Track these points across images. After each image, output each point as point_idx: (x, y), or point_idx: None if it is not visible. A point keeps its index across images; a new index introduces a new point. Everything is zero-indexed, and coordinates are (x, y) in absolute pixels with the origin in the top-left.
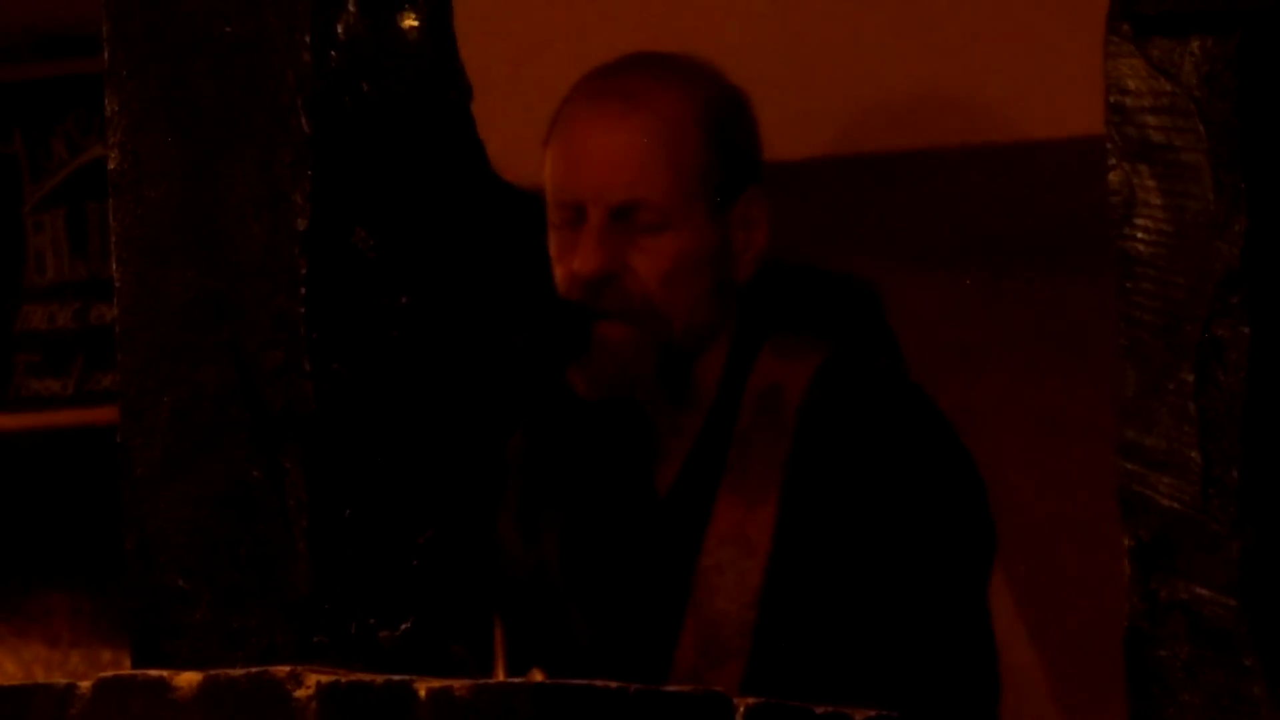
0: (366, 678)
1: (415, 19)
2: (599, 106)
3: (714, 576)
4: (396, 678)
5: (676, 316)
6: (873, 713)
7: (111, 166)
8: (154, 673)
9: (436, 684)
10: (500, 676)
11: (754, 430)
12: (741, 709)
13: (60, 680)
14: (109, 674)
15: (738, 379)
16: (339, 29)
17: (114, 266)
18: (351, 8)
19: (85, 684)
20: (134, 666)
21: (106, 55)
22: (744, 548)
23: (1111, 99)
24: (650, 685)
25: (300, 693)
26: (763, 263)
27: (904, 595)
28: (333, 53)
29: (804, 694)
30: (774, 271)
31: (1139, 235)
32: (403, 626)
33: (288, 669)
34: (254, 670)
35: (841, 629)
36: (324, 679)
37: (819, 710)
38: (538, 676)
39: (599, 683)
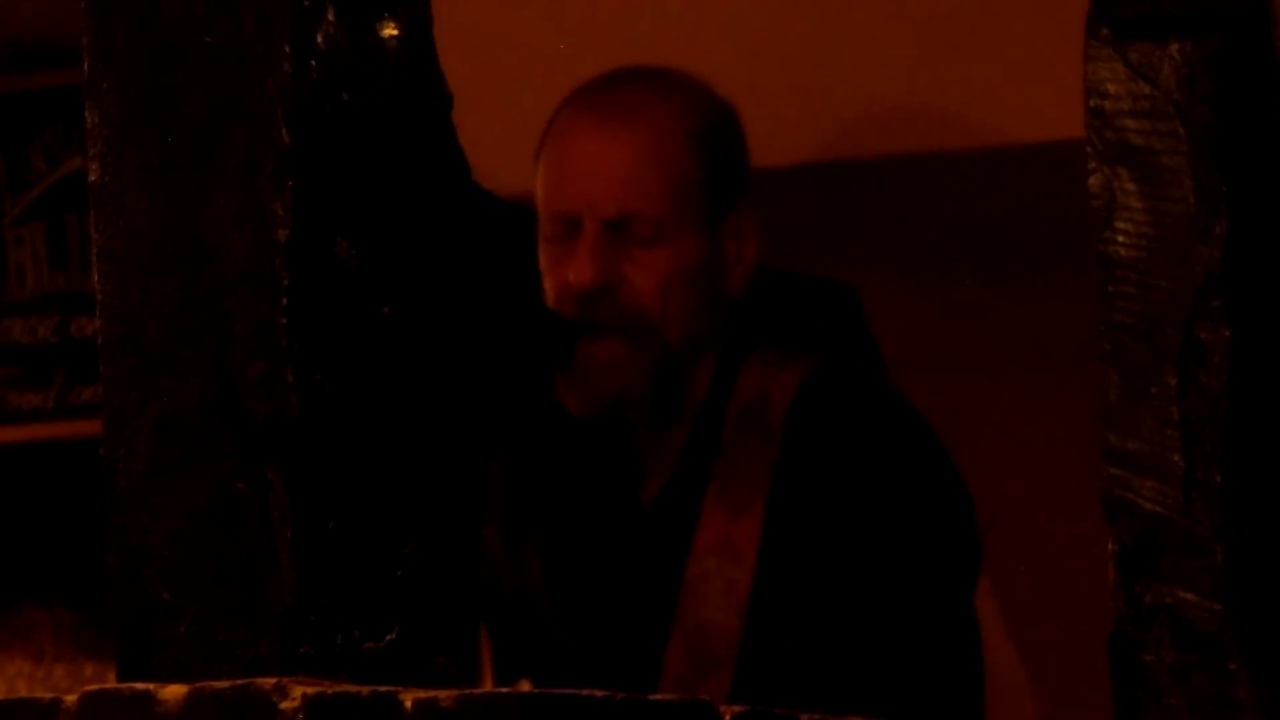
0: (352, 689)
1: (395, 28)
2: (593, 119)
3: (701, 586)
4: (382, 689)
5: (671, 330)
6: None
7: (92, 178)
8: (139, 686)
9: (422, 694)
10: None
11: (740, 441)
12: (728, 717)
13: (45, 695)
14: (94, 688)
15: (724, 390)
16: (319, 39)
17: (95, 278)
18: (331, 17)
19: (71, 698)
20: (119, 680)
21: (86, 66)
22: (731, 557)
23: (1091, 103)
24: (637, 694)
25: (286, 704)
26: (753, 275)
27: (890, 604)
28: (313, 62)
29: (791, 703)
30: (761, 281)
31: (1120, 239)
32: (388, 637)
33: (273, 681)
34: (239, 682)
35: (828, 638)
36: (309, 690)
37: (804, 718)
38: (526, 688)
39: (585, 691)
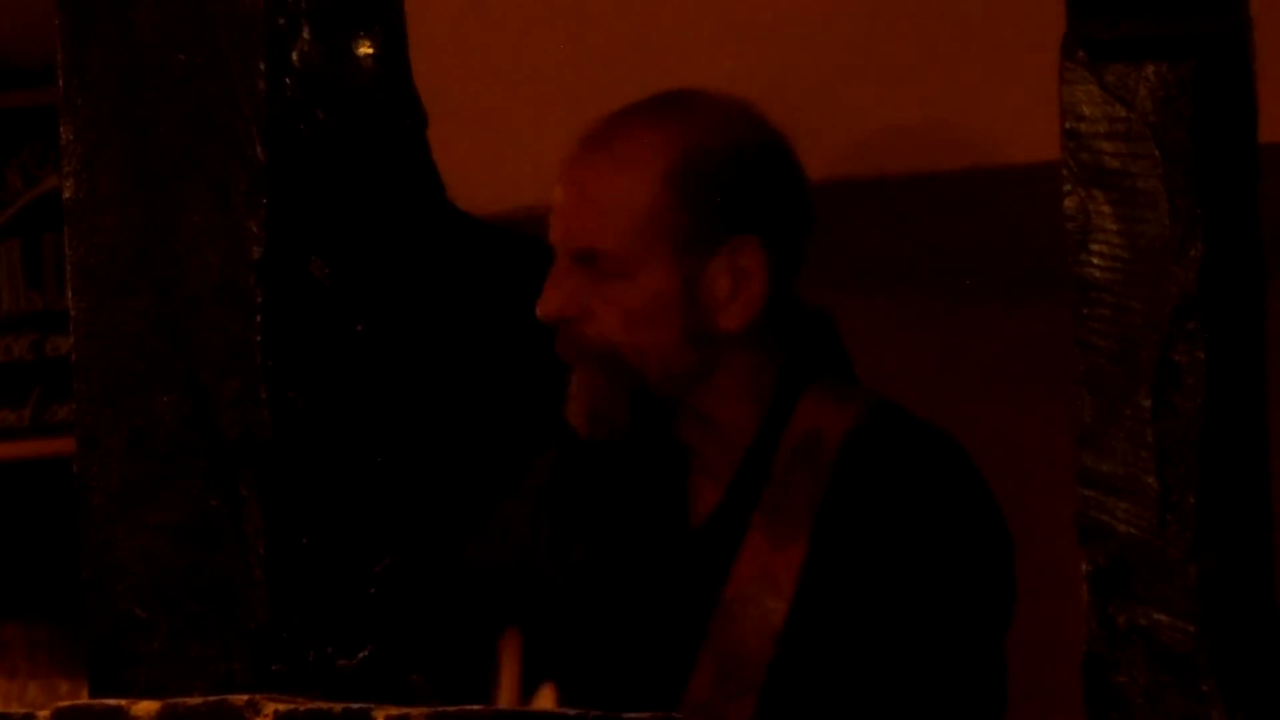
0: (324, 706)
1: (370, 47)
2: (579, 150)
3: (737, 610)
4: (354, 705)
5: (646, 364)
6: None
7: (66, 196)
8: (111, 701)
9: (394, 711)
10: (514, 691)
11: (790, 473)
12: None
13: (18, 711)
14: (66, 703)
15: (777, 423)
16: (294, 57)
17: (69, 296)
18: (306, 35)
19: (44, 713)
20: (91, 696)
21: (61, 84)
22: (769, 586)
23: (1067, 125)
24: (611, 713)
25: None
26: (806, 309)
27: (923, 647)
28: (288, 80)
29: None
30: (815, 317)
31: (1095, 261)
32: (360, 655)
33: (245, 697)
34: (212, 699)
35: (858, 675)
36: (282, 707)
37: None
38: (547, 692)
39: (558, 710)
